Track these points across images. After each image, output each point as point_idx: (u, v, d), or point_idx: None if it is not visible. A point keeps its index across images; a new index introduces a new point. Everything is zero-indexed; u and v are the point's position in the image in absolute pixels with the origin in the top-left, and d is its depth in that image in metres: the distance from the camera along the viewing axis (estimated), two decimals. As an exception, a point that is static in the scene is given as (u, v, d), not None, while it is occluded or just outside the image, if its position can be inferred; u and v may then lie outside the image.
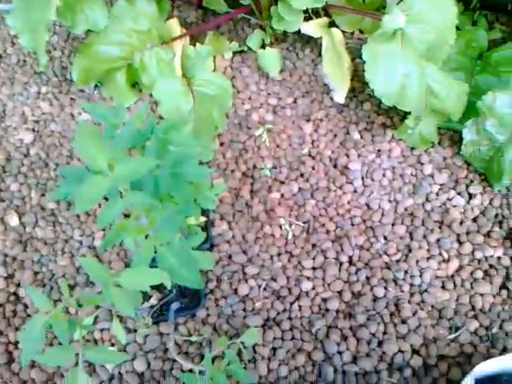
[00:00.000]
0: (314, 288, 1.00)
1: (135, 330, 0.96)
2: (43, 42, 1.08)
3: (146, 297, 0.98)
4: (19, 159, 1.20)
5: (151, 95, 1.21)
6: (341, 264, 1.02)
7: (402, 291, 0.98)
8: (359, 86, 1.24)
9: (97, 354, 0.67)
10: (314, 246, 1.05)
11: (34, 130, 1.25)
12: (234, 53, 1.31)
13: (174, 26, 1.24)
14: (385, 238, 1.05)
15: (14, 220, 1.11)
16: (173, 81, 1.19)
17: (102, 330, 0.96)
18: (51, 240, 1.08)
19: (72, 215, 1.10)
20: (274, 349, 0.95)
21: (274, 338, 0.95)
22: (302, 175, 1.13)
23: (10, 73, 1.35)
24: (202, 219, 0.98)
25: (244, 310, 0.99)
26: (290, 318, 0.97)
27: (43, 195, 1.14)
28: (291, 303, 0.99)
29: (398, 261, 1.02)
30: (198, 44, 1.23)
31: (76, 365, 0.64)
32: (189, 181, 0.88)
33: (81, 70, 1.16)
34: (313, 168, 1.14)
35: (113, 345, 0.96)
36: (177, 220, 0.84)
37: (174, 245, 0.75)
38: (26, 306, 1.01)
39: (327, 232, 1.06)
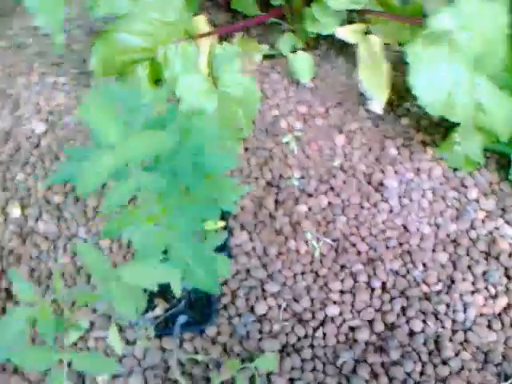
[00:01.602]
0: (341, 314, 0.88)
1: (134, 342, 0.84)
2: (60, 21, 1.00)
3: (150, 306, 0.87)
4: (29, 149, 1.11)
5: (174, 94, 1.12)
6: (373, 290, 0.90)
7: (443, 327, 0.86)
8: (397, 99, 1.15)
9: (86, 360, 0.55)
10: (342, 267, 0.93)
11: (47, 120, 1.16)
12: (264, 57, 1.23)
13: (202, 23, 1.16)
14: (424, 265, 0.93)
15: (15, 211, 1.01)
16: (197, 78, 1.10)
17: (96, 339, 0.85)
18: (53, 235, 0.97)
19: (79, 211, 1.00)
20: (292, 380, 0.82)
21: (293, 368, 0.83)
22: (332, 189, 1.03)
23: (28, 63, 1.28)
24: (221, 224, 0.87)
25: (260, 331, 0.87)
26: (311, 346, 0.85)
27: (50, 188, 1.04)
28: (314, 329, 0.86)
29: (438, 292, 0.90)
30: (225, 43, 1.15)
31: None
32: (210, 174, 0.78)
33: (99, 59, 1.08)
34: (344, 182, 1.03)
35: (108, 356, 0.84)
36: (194, 215, 0.74)
37: (189, 240, 0.64)
38: (17, 304, 0.89)
39: (358, 253, 0.94)
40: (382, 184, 1.02)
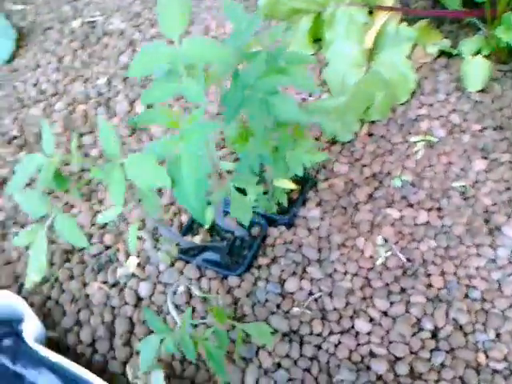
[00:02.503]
0: (369, 333, 0.75)
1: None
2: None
3: (193, 231, 0.86)
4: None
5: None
6: (420, 329, 0.75)
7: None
8: None
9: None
10: (402, 290, 0.79)
11: None
12: (441, 53, 1.09)
13: (388, -4, 1.07)
14: (497, 335, 0.74)
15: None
16: (354, 47, 1.03)
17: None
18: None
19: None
20: (279, 365, 0.74)
21: (286, 356, 0.74)
22: (438, 209, 0.88)
23: None
24: (292, 186, 0.81)
25: (277, 306, 0.79)
26: (318, 347, 0.75)
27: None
28: (331, 333, 0.76)
29: (496, 371, 0.71)
30: (403, 24, 1.05)
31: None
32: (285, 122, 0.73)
33: (267, 0, 1.08)
34: (456, 208, 0.87)
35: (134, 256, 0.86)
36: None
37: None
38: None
39: (428, 286, 0.79)
40: (499, 229, 0.84)
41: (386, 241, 0.84)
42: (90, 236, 0.91)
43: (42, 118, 1.11)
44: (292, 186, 0.82)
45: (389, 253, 0.82)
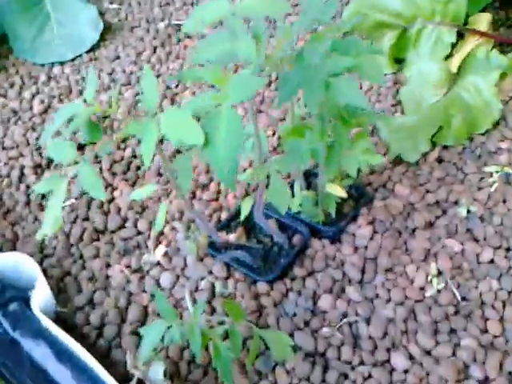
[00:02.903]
0: (406, 371, 0.64)
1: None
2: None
3: (230, 229, 0.80)
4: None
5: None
6: (466, 377, 0.64)
7: None
8: None
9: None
10: (452, 330, 0.68)
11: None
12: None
13: (483, 21, 0.99)
14: None
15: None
16: (436, 68, 0.95)
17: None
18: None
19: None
20: (296, 387, 0.64)
21: (307, 378, 0.65)
22: (507, 249, 0.76)
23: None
24: (343, 194, 0.74)
25: (306, 322, 0.70)
26: (344, 375, 0.65)
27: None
28: (362, 363, 0.66)
29: None
30: (495, 51, 0.96)
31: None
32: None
33: (351, 12, 1.04)
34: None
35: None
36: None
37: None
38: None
39: (483, 331, 0.68)
40: None
41: (440, 273, 0.73)
42: (124, 219, 0.87)
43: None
44: (343, 194, 0.74)
45: (442, 286, 0.71)
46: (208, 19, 0.53)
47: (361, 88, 1.06)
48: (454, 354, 0.65)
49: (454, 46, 0.98)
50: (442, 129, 0.88)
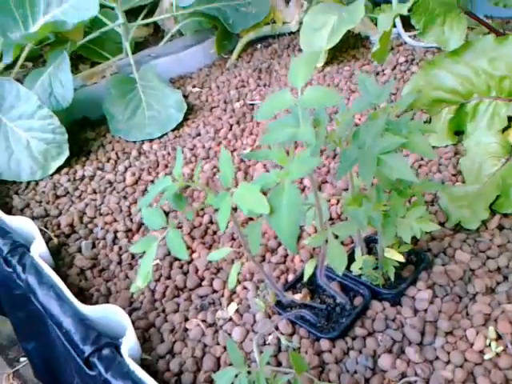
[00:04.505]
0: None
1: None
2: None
3: (296, 289, 0.87)
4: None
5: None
6: None
7: None
8: None
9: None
10: (512, 397, 0.69)
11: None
12: None
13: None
14: None
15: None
16: (494, 139, 1.01)
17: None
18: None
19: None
20: None
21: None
22: None
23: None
24: (401, 259, 0.80)
25: (366, 380, 0.75)
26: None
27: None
28: (421, 422, 0.68)
29: None
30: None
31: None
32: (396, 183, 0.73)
33: (411, 89, 1.12)
34: None
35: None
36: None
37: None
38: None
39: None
40: None
41: (500, 337, 0.75)
42: (201, 279, 0.97)
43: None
44: (401, 258, 0.80)
45: (501, 349, 0.73)
46: (275, 109, 0.64)
47: (422, 159, 1.13)
48: (513, 419, 0.66)
49: (510, 118, 1.03)
50: (499, 197, 0.92)
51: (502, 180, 0.94)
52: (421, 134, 0.70)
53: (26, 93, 1.33)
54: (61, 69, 1.46)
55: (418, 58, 1.54)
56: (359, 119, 1.29)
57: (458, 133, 1.13)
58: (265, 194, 0.60)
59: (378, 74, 1.53)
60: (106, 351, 0.78)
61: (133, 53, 1.71)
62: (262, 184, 0.60)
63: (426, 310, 0.81)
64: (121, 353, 0.77)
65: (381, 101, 0.76)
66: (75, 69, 1.78)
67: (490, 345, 0.74)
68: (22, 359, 1.66)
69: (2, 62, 1.48)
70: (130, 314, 0.91)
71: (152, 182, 1.26)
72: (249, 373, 0.65)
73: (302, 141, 0.61)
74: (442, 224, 0.96)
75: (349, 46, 1.77)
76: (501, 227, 0.93)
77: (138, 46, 1.94)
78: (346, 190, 1.09)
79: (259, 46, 1.96)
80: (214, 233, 1.07)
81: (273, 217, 0.58)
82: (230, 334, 0.84)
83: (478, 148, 1.01)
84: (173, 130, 1.50)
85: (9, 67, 1.55)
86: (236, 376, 0.66)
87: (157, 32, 2.18)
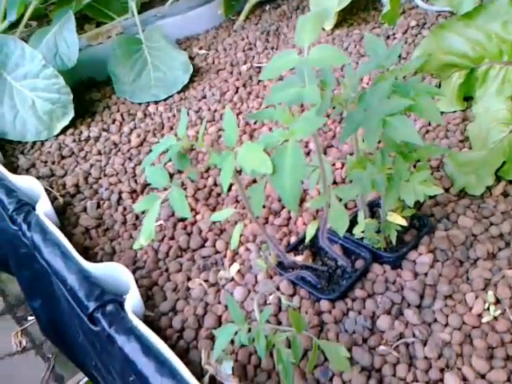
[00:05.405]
0: (458, 392, 0.68)
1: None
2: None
3: (298, 251, 0.88)
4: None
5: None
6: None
7: None
8: None
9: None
10: (507, 357, 0.70)
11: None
12: None
13: (552, 60, 1.02)
14: None
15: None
16: (504, 105, 0.99)
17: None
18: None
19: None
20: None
21: (362, 391, 0.70)
22: None
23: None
24: (403, 222, 0.80)
25: (364, 340, 0.76)
26: (398, 391, 0.69)
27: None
28: (416, 380, 0.70)
29: None
30: None
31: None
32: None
33: (422, 53, 1.10)
34: None
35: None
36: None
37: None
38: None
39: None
40: None
41: (499, 301, 0.76)
42: (204, 240, 0.98)
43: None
44: (404, 222, 0.80)
45: (499, 313, 0.74)
46: (281, 69, 0.63)
47: (429, 124, 1.12)
48: (508, 380, 0.68)
49: (521, 84, 1.01)
50: (505, 164, 0.91)
51: (508, 147, 0.93)
52: (429, 97, 0.68)
53: (31, 52, 1.32)
54: (66, 28, 1.44)
55: (430, 22, 1.50)
56: (367, 83, 1.28)
57: (467, 99, 1.12)
58: (269, 154, 0.59)
59: (388, 37, 1.50)
60: (109, 307, 0.79)
61: (139, 13, 1.67)
62: (266, 143, 0.60)
63: (426, 274, 0.82)
64: (124, 309, 0.79)
65: (389, 63, 0.75)
66: (80, 29, 1.75)
67: (488, 308, 0.75)
68: (29, 317, 1.70)
69: (6, 20, 1.46)
70: (133, 273, 0.92)
71: (157, 143, 1.26)
72: (249, 330, 0.67)
73: (308, 101, 0.60)
74: (446, 190, 0.96)
75: (359, 9, 1.73)
76: (505, 194, 0.93)
77: (143, 6, 1.91)
78: (352, 154, 1.08)
79: (268, 7, 1.92)
80: (218, 195, 1.08)
81: (275, 176, 0.58)
82: (231, 294, 0.86)
83: (487, 114, 1.00)
84: (178, 92, 1.49)
85: (13, 26, 1.53)
86: (236, 333, 0.67)
87: (163, -8, 2.14)
